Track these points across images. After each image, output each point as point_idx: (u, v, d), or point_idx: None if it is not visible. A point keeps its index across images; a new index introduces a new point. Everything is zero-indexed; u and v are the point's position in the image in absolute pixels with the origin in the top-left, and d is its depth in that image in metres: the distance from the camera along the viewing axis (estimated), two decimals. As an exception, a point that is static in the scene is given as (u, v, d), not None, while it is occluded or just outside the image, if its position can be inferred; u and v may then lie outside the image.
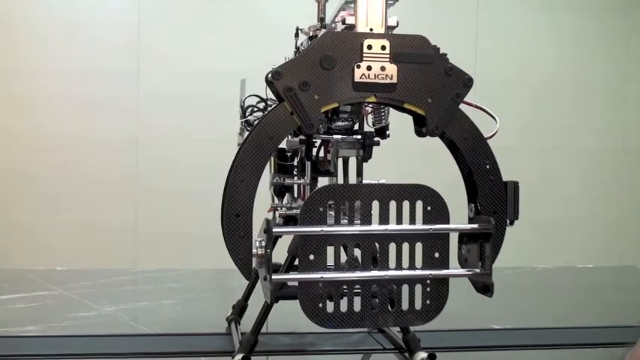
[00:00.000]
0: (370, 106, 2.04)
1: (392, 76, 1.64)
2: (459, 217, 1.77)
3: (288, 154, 2.33)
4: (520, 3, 4.71)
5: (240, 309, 2.60)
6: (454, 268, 1.72)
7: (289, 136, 2.10)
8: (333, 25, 1.94)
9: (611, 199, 4.86)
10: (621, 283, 4.39)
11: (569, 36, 4.76)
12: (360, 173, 2.13)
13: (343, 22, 1.74)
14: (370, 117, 2.13)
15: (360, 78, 1.62)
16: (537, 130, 4.72)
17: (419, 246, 1.67)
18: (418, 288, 1.68)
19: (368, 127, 2.13)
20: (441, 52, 1.68)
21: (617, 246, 4.79)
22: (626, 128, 4.89)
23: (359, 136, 2.09)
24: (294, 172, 2.30)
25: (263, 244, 1.54)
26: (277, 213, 2.30)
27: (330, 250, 1.61)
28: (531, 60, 4.69)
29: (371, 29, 1.67)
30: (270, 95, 2.06)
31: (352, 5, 1.70)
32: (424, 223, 1.67)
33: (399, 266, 1.67)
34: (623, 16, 4.84)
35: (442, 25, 4.38)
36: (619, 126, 4.88)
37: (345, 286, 1.64)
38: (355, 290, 1.65)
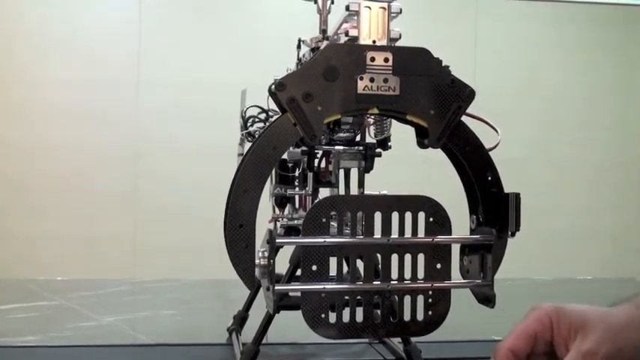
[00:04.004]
0: (372, 117, 2.04)
1: (394, 88, 1.64)
2: (461, 229, 1.77)
3: (290, 165, 2.33)
4: (521, 13, 4.73)
5: (241, 319, 2.60)
6: (456, 279, 1.72)
7: (291, 147, 2.11)
8: (336, 37, 1.94)
9: (613, 211, 4.86)
10: (621, 296, 4.38)
11: (573, 46, 4.78)
12: (361, 184, 2.13)
13: (346, 34, 1.74)
14: (372, 128, 2.13)
15: (363, 90, 1.62)
16: (542, 142, 4.73)
17: (421, 257, 1.67)
18: (420, 299, 1.68)
19: (370, 139, 2.14)
20: (443, 65, 1.69)
21: (617, 258, 4.79)
22: (629, 140, 4.90)
23: (361, 148, 2.10)
24: (296, 183, 2.30)
25: (266, 254, 1.54)
26: (279, 223, 2.30)
27: (333, 261, 1.61)
28: (537, 71, 4.71)
29: (374, 41, 1.67)
30: (272, 106, 2.07)
31: (355, 17, 1.70)
32: (426, 234, 1.66)
33: (401, 277, 1.66)
34: (627, 28, 4.86)
35: (443, 36, 4.39)
36: (622, 138, 4.89)
37: (347, 297, 1.64)
38: (357, 301, 1.65)
